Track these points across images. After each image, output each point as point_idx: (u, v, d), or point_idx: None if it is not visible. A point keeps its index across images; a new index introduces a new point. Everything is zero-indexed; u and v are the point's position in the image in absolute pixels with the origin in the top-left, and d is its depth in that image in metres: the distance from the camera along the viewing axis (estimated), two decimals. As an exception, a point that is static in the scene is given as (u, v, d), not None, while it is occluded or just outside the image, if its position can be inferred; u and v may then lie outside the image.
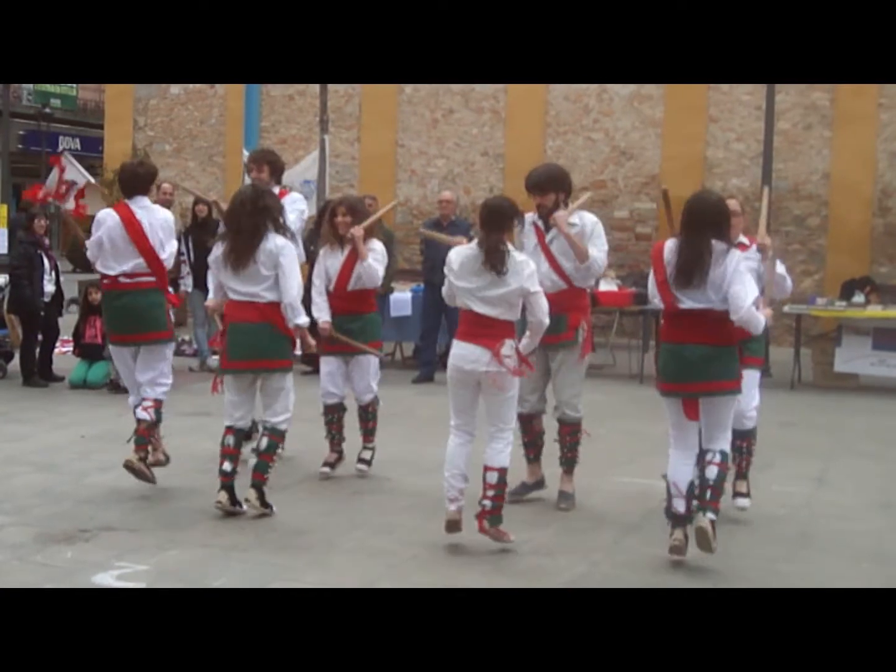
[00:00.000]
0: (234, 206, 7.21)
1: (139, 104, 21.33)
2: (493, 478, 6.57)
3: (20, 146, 33.68)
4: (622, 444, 7.05)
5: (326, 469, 8.29)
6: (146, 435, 7.65)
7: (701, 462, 6.40)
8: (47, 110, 33.05)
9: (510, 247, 6.56)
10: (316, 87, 16.62)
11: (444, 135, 19.09)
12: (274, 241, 7.08)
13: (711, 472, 6.34)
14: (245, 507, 7.15)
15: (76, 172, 14.94)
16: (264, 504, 7.19)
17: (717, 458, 6.35)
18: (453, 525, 6.59)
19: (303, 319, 7.21)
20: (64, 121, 35.99)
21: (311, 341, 7.56)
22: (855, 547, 6.85)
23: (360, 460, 8.36)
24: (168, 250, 7.82)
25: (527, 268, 6.50)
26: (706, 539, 6.19)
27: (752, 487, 7.51)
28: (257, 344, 7.12)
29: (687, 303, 6.25)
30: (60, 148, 16.30)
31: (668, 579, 6.12)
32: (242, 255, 7.06)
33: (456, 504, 6.59)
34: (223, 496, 7.15)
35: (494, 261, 6.42)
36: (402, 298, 14.02)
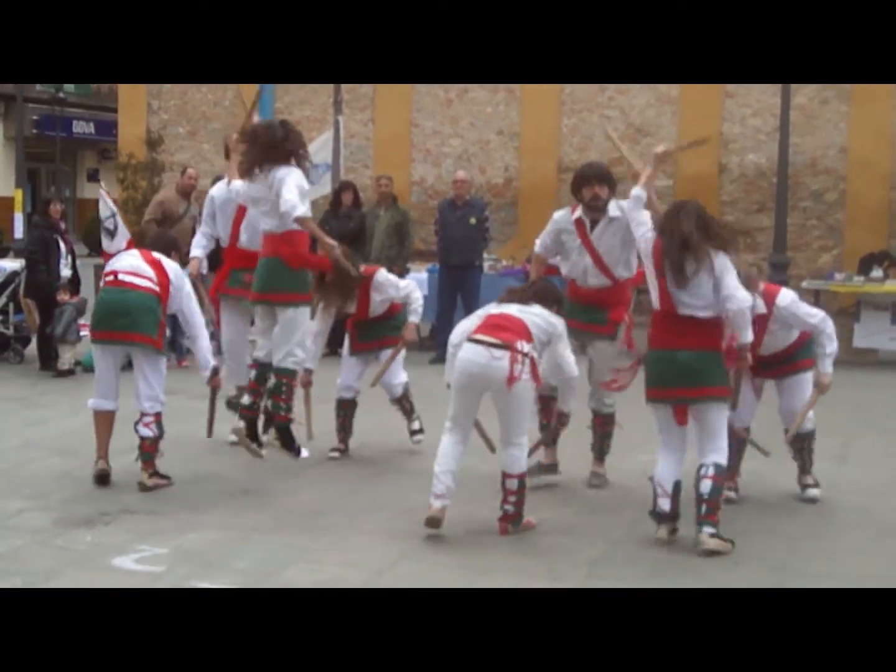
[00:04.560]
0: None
1: (152, 87, 21.23)
2: (513, 484, 6.53)
3: (34, 131, 33.62)
4: (641, 423, 7.00)
5: (336, 454, 8.36)
6: (152, 450, 7.43)
7: (696, 476, 6.30)
8: (61, 95, 32.95)
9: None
10: (329, 68, 16.53)
11: (459, 114, 18.98)
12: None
13: (705, 486, 6.22)
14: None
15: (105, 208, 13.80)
16: (285, 441, 7.51)
17: (711, 472, 6.25)
18: (434, 522, 6.42)
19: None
20: (78, 105, 35.90)
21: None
22: (878, 523, 6.81)
23: (413, 432, 8.48)
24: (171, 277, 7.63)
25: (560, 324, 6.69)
26: (715, 553, 6.14)
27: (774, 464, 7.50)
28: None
29: (683, 307, 6.31)
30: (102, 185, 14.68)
31: (689, 558, 6.10)
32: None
33: (441, 501, 6.44)
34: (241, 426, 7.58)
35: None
36: (418, 279, 13.95)
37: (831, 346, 7.16)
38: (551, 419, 7.41)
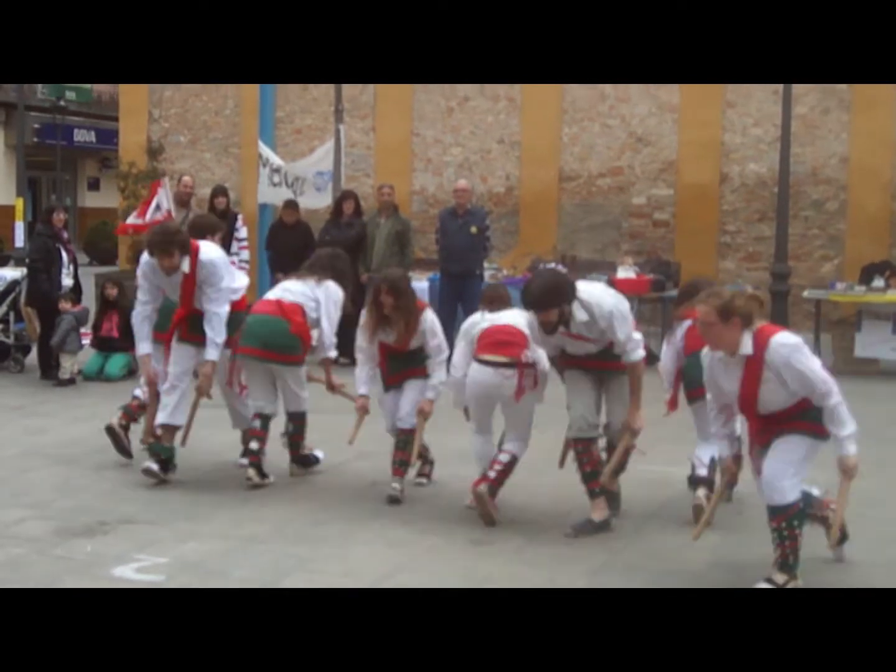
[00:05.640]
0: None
1: (153, 95, 21.28)
2: (505, 457, 7.02)
3: (35, 139, 33.70)
4: (642, 432, 6.99)
5: (423, 480, 7.91)
6: (135, 410, 8.21)
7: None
8: (62, 103, 32.99)
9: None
10: (330, 77, 16.54)
11: (460, 123, 19.00)
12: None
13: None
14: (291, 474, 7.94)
15: (164, 198, 13.76)
16: (306, 464, 8.05)
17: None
18: (482, 500, 6.83)
19: (333, 353, 8.10)
20: (79, 113, 35.98)
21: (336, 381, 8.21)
22: (880, 532, 6.79)
23: (419, 474, 7.92)
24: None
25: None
26: (700, 510, 6.51)
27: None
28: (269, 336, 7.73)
29: None
30: (164, 179, 14.63)
31: (689, 567, 6.09)
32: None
33: (493, 470, 6.93)
34: (252, 472, 7.67)
35: None
36: (419, 288, 13.93)
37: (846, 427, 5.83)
38: (595, 465, 6.97)
